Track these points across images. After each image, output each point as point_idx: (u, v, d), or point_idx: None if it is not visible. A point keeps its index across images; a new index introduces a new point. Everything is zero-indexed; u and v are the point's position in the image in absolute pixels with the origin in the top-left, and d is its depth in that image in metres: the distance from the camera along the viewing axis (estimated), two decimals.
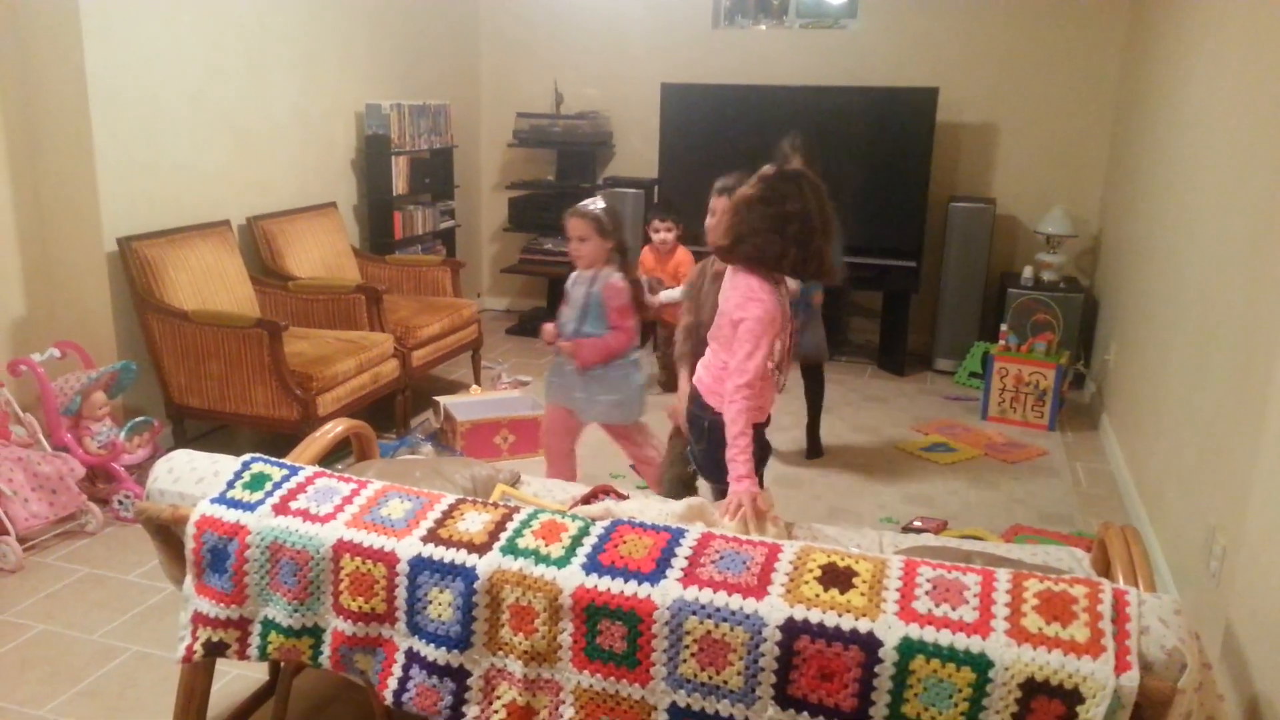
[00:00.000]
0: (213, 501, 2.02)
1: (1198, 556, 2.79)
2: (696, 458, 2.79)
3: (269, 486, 2.03)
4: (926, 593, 1.67)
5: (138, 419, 3.71)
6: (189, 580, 2.02)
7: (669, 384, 4.61)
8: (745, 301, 2.46)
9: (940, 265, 5.62)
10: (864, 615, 1.63)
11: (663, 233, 4.80)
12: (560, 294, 3.45)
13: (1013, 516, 3.80)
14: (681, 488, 3.51)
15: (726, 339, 2.53)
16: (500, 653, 1.82)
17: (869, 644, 1.61)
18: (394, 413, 4.48)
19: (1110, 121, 5.58)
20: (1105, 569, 2.08)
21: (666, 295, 4.35)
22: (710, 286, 2.90)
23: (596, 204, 3.30)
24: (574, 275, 3.36)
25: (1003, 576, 1.70)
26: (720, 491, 2.65)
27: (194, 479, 2.13)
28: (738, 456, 2.39)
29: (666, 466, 3.38)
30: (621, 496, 2.56)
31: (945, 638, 1.60)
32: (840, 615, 1.64)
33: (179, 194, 4.21)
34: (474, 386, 4.96)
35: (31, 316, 3.92)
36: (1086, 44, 5.55)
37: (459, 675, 1.84)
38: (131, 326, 4.00)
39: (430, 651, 1.84)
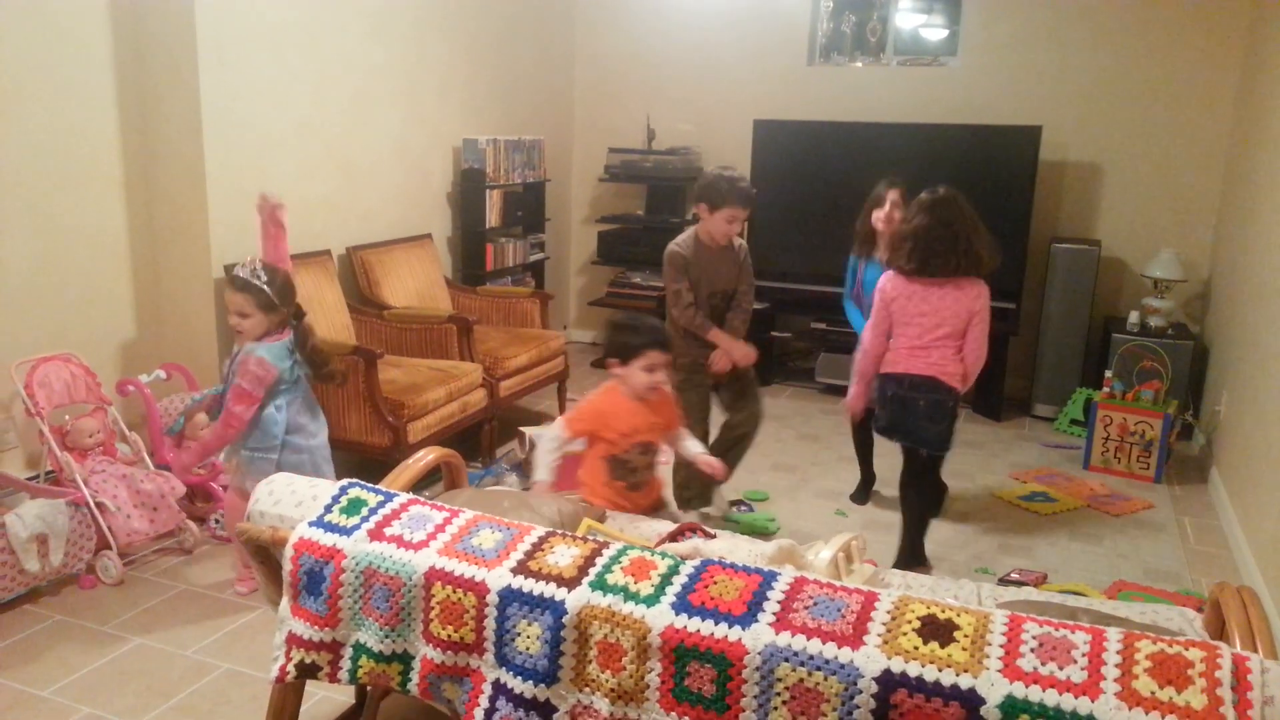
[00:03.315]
0: (311, 525, 2.05)
1: None
2: (935, 437, 3.41)
3: (365, 512, 2.06)
4: (1032, 650, 1.59)
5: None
6: (285, 602, 2.05)
7: None
8: (978, 299, 3.33)
9: (1041, 308, 5.47)
10: (966, 671, 1.57)
11: (659, 371, 2.83)
12: None
13: (1116, 572, 3.64)
14: (699, 499, 3.78)
15: (955, 334, 3.35)
16: (587, 689, 1.80)
17: (970, 701, 1.54)
18: (480, 442, 4.52)
19: (1223, 160, 5.38)
20: (1219, 632, 1.96)
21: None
22: (710, 263, 3.57)
23: (260, 272, 2.97)
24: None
25: (1113, 636, 1.62)
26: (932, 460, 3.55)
27: (293, 502, 2.17)
28: None
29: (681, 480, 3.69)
30: (709, 535, 2.52)
31: (1051, 698, 1.52)
32: (940, 670, 1.57)
33: None
34: (559, 418, 4.98)
35: (140, 339, 4.08)
36: (1198, 79, 5.38)
37: (545, 710, 1.82)
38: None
39: (517, 684, 1.83)
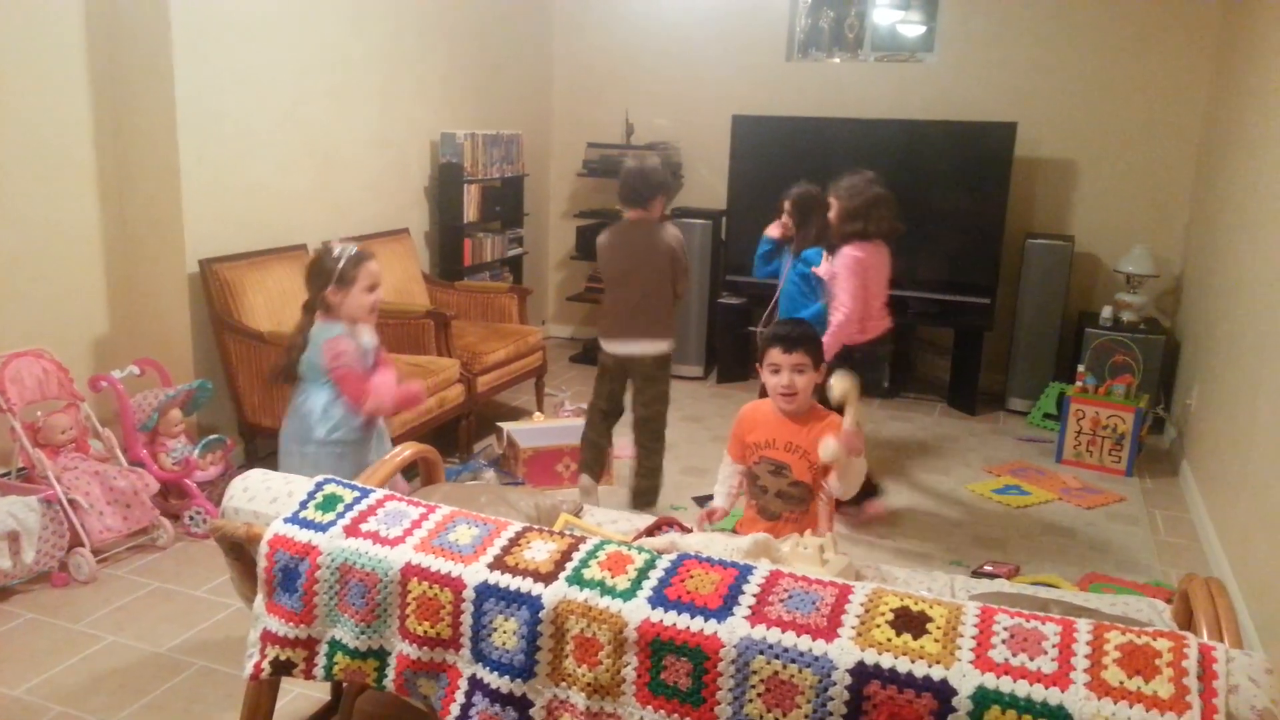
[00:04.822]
0: (286, 521, 2.04)
1: None
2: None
3: (340, 508, 2.05)
4: (1003, 641, 1.61)
5: (211, 437, 3.78)
6: (260, 598, 2.04)
7: None
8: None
9: (1015, 303, 5.51)
10: (938, 662, 1.58)
11: (785, 374, 2.62)
12: None
13: (1088, 564, 3.68)
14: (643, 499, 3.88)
15: None
16: (563, 684, 1.80)
17: (942, 692, 1.56)
18: (457, 437, 4.51)
19: (1195, 157, 5.45)
20: (1187, 622, 1.99)
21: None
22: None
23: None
24: (343, 329, 2.94)
25: (1083, 627, 1.64)
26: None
27: (268, 498, 2.16)
28: None
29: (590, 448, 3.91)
30: (685, 529, 2.53)
31: (1022, 688, 1.54)
32: (913, 661, 1.59)
33: (260, 217, 4.32)
34: (536, 413, 4.98)
35: (113, 334, 4.04)
36: (1171, 77, 5.44)
37: (521, 705, 1.82)
38: (208, 346, 4.09)
39: (494, 679, 1.83)
